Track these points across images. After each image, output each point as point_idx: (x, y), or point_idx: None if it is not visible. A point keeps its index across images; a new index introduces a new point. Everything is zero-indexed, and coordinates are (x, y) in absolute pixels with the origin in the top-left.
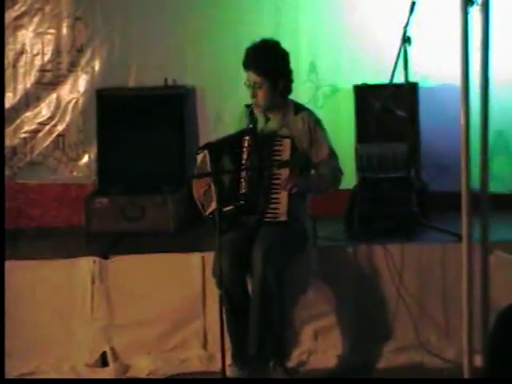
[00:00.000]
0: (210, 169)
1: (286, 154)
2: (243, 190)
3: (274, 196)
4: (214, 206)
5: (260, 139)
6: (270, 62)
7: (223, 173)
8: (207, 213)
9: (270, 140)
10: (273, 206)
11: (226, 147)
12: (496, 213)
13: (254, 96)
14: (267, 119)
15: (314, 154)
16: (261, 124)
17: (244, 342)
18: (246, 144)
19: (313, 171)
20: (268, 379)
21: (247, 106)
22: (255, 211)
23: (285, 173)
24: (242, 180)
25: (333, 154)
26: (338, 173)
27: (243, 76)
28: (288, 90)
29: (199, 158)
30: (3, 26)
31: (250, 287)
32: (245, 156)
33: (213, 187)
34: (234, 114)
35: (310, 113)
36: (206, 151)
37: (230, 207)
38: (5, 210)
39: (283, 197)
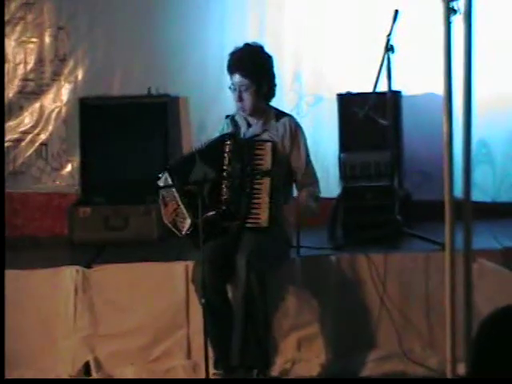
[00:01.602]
0: (175, 187)
1: (267, 159)
2: (224, 196)
3: (255, 201)
4: (188, 223)
5: (241, 144)
6: (255, 63)
7: (189, 184)
8: (184, 232)
9: (251, 144)
10: (254, 211)
11: (198, 156)
12: (479, 221)
13: (239, 99)
14: (249, 125)
15: (293, 158)
16: (243, 130)
17: (227, 350)
18: (227, 149)
19: (304, 192)
20: (256, 379)
21: (228, 117)
22: (237, 217)
23: (266, 179)
24: (223, 186)
25: (309, 161)
26: (317, 180)
27: (227, 84)
28: (272, 93)
29: (161, 182)
30: (3, 27)
31: (230, 295)
32: (226, 161)
33: (181, 205)
34: (217, 123)
35: (292, 118)
36: (166, 174)
37: (212, 213)
38: (5, 218)
39: (264, 202)
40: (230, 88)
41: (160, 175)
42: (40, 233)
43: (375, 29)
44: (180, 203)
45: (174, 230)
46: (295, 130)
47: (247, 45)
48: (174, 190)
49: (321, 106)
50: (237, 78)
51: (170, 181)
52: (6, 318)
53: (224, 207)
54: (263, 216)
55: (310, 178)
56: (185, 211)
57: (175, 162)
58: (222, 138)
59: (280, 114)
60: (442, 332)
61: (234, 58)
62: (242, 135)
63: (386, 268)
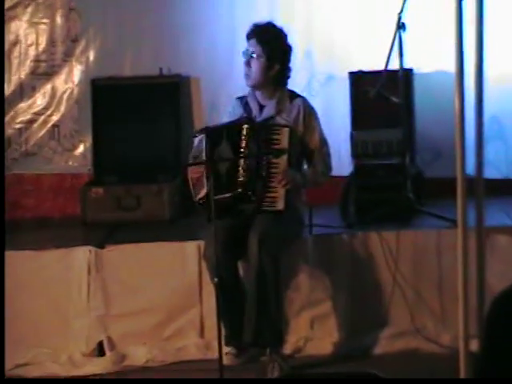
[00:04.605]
0: (205, 154)
1: (284, 143)
2: (241, 178)
3: (271, 185)
4: (203, 192)
5: (258, 128)
6: (274, 38)
7: (217, 161)
8: (197, 198)
9: (269, 129)
10: (270, 194)
11: (225, 133)
12: (491, 198)
13: (247, 64)
14: (261, 108)
15: (307, 141)
16: (255, 113)
17: (239, 329)
18: (244, 132)
19: (306, 167)
20: (266, 379)
21: (239, 99)
22: (252, 199)
23: (283, 161)
24: (240, 168)
25: (324, 144)
26: (328, 166)
27: (238, 64)
28: (283, 79)
29: (196, 140)
30: (3, 25)
31: (242, 273)
32: (243, 144)
33: (204, 175)
34: (229, 103)
35: (305, 100)
36: (203, 135)
37: (223, 195)
38: (4, 202)
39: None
40: (242, 53)
41: (197, 134)
42: (52, 213)
43: (386, 6)
44: (204, 171)
45: (192, 190)
46: (309, 113)
47: (274, 24)
48: (204, 155)
49: (332, 84)
50: (251, 43)
51: (204, 144)
52: (18, 299)
53: (240, 189)
54: (279, 199)
55: (321, 165)
56: (204, 181)
57: (214, 128)
58: (239, 122)
59: (293, 95)
60: (454, 308)
61: (256, 27)
62: (254, 118)
63: (399, 245)
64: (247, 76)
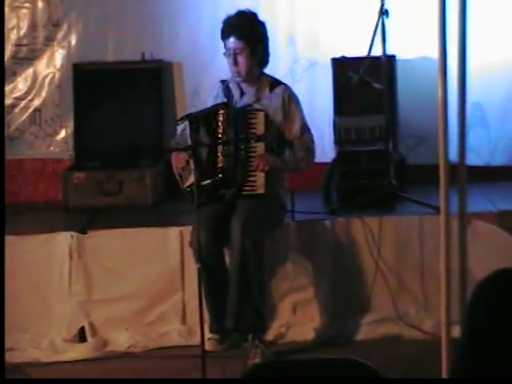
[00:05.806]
0: (190, 140)
1: (260, 127)
2: (220, 164)
3: (251, 169)
4: (192, 179)
5: (234, 113)
6: (249, 26)
7: (201, 146)
8: (185, 185)
9: (244, 113)
10: (250, 178)
11: (203, 120)
12: (473, 185)
13: (234, 63)
14: (242, 93)
15: (287, 128)
16: (236, 98)
17: (222, 315)
18: (220, 118)
19: (287, 152)
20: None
21: (222, 82)
22: (233, 184)
23: (260, 146)
24: (219, 154)
25: (305, 131)
26: (310, 152)
27: (220, 49)
28: (266, 59)
29: (179, 128)
30: (3, 25)
31: (227, 260)
32: (220, 130)
33: (191, 161)
34: (211, 88)
35: (286, 87)
36: (186, 122)
37: (208, 181)
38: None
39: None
40: (224, 54)
41: (180, 121)
42: (34, 198)
43: None
44: (191, 158)
45: (178, 179)
46: (289, 100)
47: (241, 11)
48: (189, 142)
49: (315, 70)
50: (231, 41)
51: (188, 131)
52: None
53: (220, 175)
54: (259, 183)
55: (301, 151)
56: (192, 167)
57: (196, 114)
58: (216, 108)
59: (274, 83)
60: (436, 295)
61: (228, 23)
62: (234, 103)
63: (381, 232)
64: (238, 73)
